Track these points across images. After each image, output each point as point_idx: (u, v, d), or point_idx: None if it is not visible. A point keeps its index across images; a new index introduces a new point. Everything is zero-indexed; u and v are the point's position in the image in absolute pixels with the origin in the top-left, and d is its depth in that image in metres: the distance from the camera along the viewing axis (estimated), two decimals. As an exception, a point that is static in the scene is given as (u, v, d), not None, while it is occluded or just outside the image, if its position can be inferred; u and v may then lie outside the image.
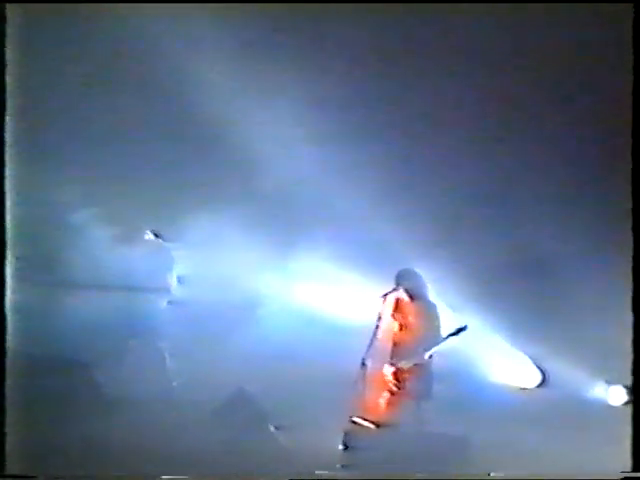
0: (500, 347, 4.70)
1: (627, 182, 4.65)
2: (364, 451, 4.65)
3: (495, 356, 4.71)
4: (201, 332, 4.69)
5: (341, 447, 4.65)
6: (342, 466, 4.64)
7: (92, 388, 4.68)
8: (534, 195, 4.75)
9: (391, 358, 4.75)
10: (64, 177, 4.75)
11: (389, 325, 4.77)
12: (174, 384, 4.69)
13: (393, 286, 4.76)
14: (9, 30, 4.67)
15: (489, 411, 4.64)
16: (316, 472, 4.57)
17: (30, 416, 4.59)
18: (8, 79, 4.68)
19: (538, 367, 4.69)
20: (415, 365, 4.74)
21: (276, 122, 4.71)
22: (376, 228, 4.67)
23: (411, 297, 4.78)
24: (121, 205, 4.77)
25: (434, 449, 4.64)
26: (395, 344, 4.77)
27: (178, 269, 4.78)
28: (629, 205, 4.63)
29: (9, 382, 4.59)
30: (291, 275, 4.75)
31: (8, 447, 4.54)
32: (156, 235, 4.77)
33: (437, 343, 4.73)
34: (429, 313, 4.77)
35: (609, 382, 4.65)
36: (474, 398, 4.65)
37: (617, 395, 4.63)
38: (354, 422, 4.69)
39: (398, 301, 4.77)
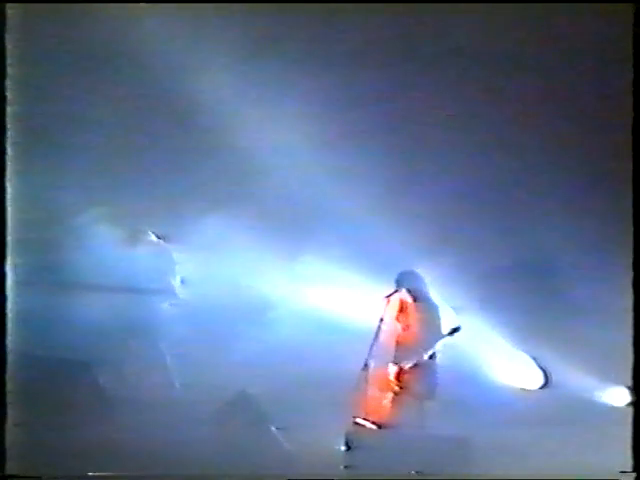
0: (502, 348, 4.71)
1: (628, 183, 4.67)
2: (366, 452, 4.67)
3: (497, 357, 4.72)
4: (204, 334, 4.69)
5: (344, 448, 4.67)
6: (345, 467, 4.65)
7: (94, 389, 4.68)
8: (536, 196, 4.76)
9: (394, 358, 4.76)
10: (67, 180, 4.74)
11: (392, 326, 4.78)
12: (177, 385, 4.69)
13: (396, 287, 4.77)
14: (9, 30, 4.65)
15: (491, 412, 4.65)
16: (319, 472, 4.58)
17: (31, 417, 4.59)
18: (8, 79, 4.65)
19: (541, 369, 4.72)
20: (417, 366, 4.75)
21: (280, 126, 4.71)
22: (379, 230, 4.67)
23: (414, 298, 4.79)
24: (125, 207, 4.76)
25: (436, 450, 4.65)
26: (398, 344, 4.78)
27: (182, 271, 4.78)
28: (630, 206, 4.65)
29: (10, 383, 4.58)
30: (296, 277, 4.75)
31: (8, 447, 4.53)
32: (158, 237, 4.76)
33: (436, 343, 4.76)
34: (431, 314, 4.78)
35: (611, 383, 4.68)
36: (476, 399, 4.67)
37: (619, 396, 4.66)
38: (357, 423, 4.70)
39: (402, 303, 4.78)
